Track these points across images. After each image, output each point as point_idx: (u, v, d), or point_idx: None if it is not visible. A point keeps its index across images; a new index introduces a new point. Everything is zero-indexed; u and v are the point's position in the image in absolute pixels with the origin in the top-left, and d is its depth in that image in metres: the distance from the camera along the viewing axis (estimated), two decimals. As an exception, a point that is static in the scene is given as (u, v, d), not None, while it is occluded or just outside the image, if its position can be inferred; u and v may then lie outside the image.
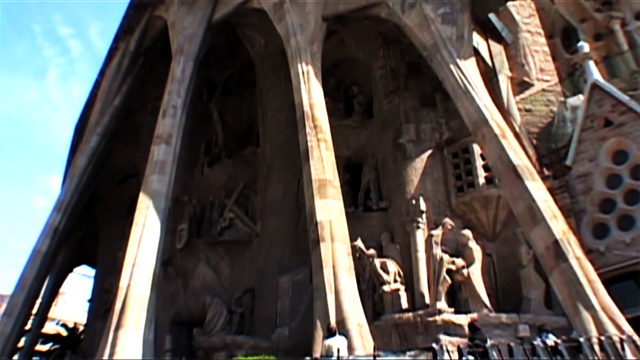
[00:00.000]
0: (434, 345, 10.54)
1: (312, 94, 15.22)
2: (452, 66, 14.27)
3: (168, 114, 17.85)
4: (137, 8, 21.56)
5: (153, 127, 18.26)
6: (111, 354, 13.04)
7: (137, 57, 21.62)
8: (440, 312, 12.90)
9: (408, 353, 10.87)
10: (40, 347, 28.24)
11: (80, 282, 61.97)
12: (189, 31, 19.08)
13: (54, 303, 29.12)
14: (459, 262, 13.74)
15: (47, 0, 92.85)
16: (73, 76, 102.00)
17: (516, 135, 15.06)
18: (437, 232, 14.30)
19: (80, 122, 24.28)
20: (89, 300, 27.22)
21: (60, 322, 31.28)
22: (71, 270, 29.66)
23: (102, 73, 22.87)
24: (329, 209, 13.42)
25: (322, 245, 12.83)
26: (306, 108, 14.97)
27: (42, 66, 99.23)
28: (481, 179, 15.09)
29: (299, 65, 15.74)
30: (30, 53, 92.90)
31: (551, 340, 9.86)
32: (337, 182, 14.03)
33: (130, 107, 22.25)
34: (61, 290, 32.46)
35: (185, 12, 19.54)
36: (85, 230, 26.64)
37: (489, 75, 16.82)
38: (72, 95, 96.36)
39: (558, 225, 11.43)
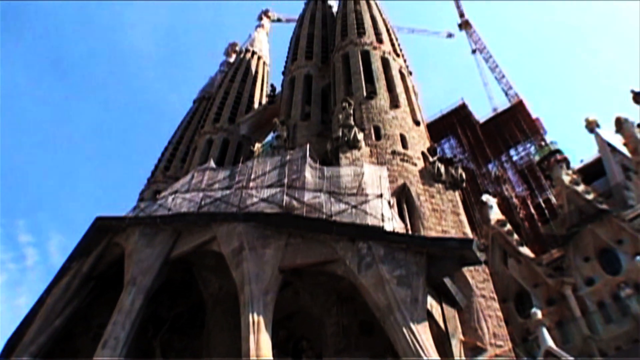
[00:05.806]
0: None
1: (260, 345, 14.70)
2: (404, 329, 14.18)
3: (108, 345, 16.96)
4: (98, 231, 21.49)
5: (92, 355, 17.23)
6: None
7: (88, 281, 20.95)
8: None
9: None
10: None
11: None
12: (145, 264, 18.84)
13: None
14: None
15: (14, 205, 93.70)
16: (21, 285, 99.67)
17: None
18: None
19: (14, 337, 22.87)
20: None
21: None
22: None
23: (48, 290, 21.89)
24: None
25: None
26: (252, 360, 14.39)
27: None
28: None
29: (250, 315, 15.35)
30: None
31: None
32: None
33: (71, 331, 21.08)
34: None
35: (144, 244, 19.45)
36: None
37: (442, 339, 16.65)
38: (16, 304, 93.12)
39: None
